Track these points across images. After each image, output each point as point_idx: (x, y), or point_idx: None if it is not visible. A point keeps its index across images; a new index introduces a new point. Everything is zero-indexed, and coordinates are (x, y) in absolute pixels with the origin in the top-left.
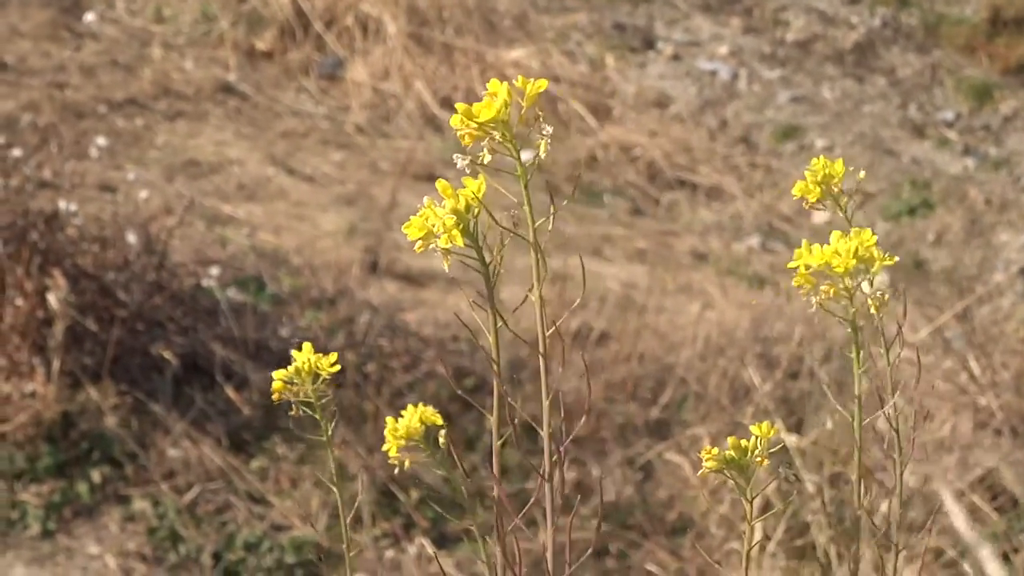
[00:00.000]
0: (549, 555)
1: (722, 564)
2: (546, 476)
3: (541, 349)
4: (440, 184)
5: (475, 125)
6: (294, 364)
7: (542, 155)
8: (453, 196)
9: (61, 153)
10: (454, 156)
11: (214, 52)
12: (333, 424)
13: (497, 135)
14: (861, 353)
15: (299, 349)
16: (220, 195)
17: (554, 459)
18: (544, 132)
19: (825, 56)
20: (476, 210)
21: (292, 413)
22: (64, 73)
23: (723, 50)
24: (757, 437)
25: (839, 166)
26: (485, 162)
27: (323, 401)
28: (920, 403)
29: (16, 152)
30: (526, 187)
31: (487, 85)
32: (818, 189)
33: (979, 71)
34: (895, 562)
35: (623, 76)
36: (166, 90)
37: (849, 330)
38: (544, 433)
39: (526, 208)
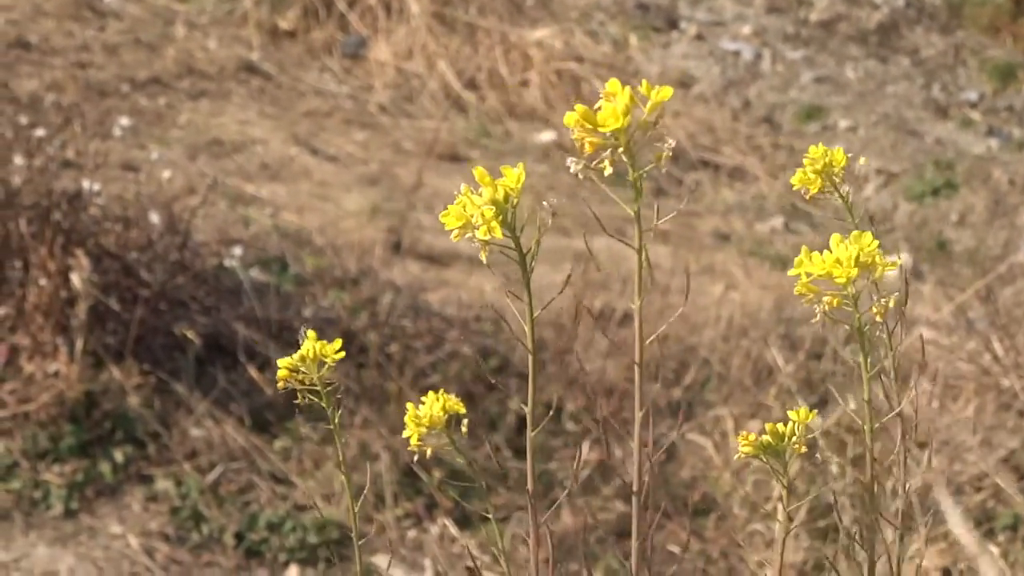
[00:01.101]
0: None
1: (745, 545)
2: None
3: (637, 359)
4: (478, 172)
5: (596, 133)
6: (299, 351)
7: (663, 169)
8: (491, 186)
9: (84, 133)
10: (568, 161)
11: (237, 31)
12: (340, 410)
13: (620, 147)
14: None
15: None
16: (243, 175)
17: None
18: (668, 143)
19: (848, 36)
20: (515, 200)
21: (298, 402)
22: (87, 52)
23: (746, 30)
24: (795, 423)
25: (839, 154)
26: (606, 174)
27: (329, 388)
28: (944, 384)
29: (39, 132)
30: (638, 199)
31: (606, 84)
32: (819, 179)
33: (1003, 51)
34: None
35: (646, 56)
36: (189, 69)
37: (854, 332)
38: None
39: (635, 215)
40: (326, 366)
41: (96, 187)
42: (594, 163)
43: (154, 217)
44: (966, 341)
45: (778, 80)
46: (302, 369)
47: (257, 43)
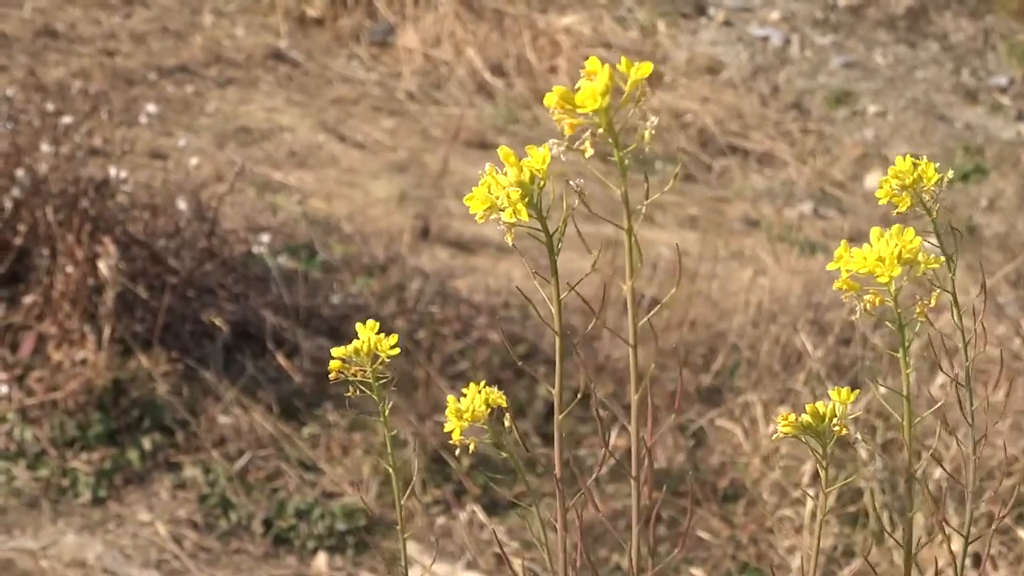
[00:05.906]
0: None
1: (774, 531)
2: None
3: (631, 341)
4: (503, 151)
5: (575, 114)
6: (353, 343)
7: (646, 147)
8: (517, 166)
9: (111, 120)
10: (549, 142)
11: (265, 19)
12: (385, 401)
13: (600, 127)
14: (914, 324)
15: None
16: (271, 162)
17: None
18: (649, 121)
19: (877, 21)
20: (541, 181)
21: (349, 394)
22: (115, 40)
23: (775, 16)
24: (836, 403)
25: (931, 170)
26: (587, 156)
27: (381, 381)
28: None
29: (67, 119)
30: (624, 174)
31: (586, 63)
32: (907, 197)
33: None
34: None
35: (675, 42)
36: (217, 57)
37: (895, 328)
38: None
39: (623, 196)
40: (379, 360)
41: (123, 175)
42: (576, 144)
43: (182, 204)
44: (995, 326)
45: (807, 65)
46: (355, 360)
47: (285, 31)
